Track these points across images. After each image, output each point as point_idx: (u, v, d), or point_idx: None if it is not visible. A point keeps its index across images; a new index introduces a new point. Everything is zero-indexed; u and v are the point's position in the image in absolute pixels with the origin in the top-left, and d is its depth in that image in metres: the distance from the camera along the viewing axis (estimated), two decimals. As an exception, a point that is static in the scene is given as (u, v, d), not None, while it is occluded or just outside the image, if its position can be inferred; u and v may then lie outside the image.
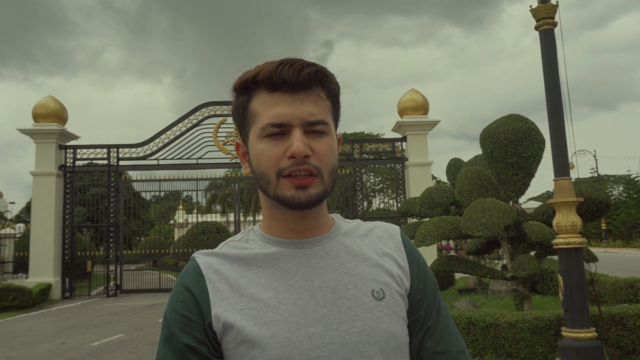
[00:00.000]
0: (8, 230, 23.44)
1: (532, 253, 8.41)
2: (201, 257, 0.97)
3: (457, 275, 15.16)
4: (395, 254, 1.01)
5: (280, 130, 0.89)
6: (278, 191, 0.90)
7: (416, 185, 17.27)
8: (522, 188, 8.08)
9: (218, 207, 41.86)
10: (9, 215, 49.13)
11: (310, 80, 0.89)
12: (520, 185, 8.00)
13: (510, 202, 8.28)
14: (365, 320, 0.91)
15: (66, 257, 17.77)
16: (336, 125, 0.98)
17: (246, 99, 0.93)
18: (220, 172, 20.27)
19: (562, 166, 5.33)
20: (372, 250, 1.00)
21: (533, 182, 8.22)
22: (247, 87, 0.93)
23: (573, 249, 5.25)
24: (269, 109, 0.89)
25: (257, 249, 0.97)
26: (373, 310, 0.92)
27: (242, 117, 0.95)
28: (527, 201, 23.73)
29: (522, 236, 7.92)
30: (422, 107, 18.57)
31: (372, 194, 35.91)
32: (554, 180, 5.46)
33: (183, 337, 0.90)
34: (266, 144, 0.90)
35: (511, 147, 7.76)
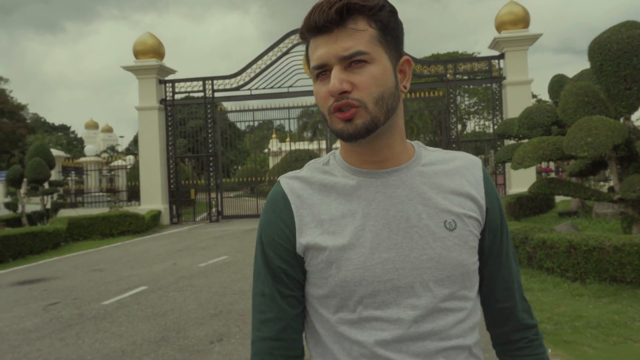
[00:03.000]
0: (120, 162, 25.37)
1: (644, 174, 7.80)
2: (285, 181, 1.04)
3: (558, 198, 14.50)
4: (474, 188, 1.03)
5: (324, 70, 0.93)
6: (332, 126, 0.95)
7: (514, 105, 16.37)
8: (635, 103, 7.38)
9: (309, 134, 42.43)
10: (119, 148, 53.10)
11: (338, 16, 0.89)
12: (634, 100, 7.31)
13: (621, 119, 7.63)
14: (436, 248, 0.96)
15: (172, 186, 19.05)
16: (388, 50, 0.94)
17: (306, 46, 0.98)
18: (311, 100, 20.34)
19: (684, 76, 4.77)
20: (449, 182, 1.02)
21: (648, 96, 7.47)
22: (304, 37, 0.97)
23: (693, 168, 4.79)
24: (313, 53, 0.94)
25: (337, 176, 1.02)
26: (444, 240, 0.97)
27: (308, 62, 0.99)
28: (641, 118, 21.77)
29: (634, 156, 7.33)
30: (522, 21, 17.21)
31: (466, 116, 34.63)
32: (674, 93, 4.92)
33: (277, 261, 1.01)
34: (318, 85, 0.95)
35: (625, 58, 7.05)
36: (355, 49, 0.89)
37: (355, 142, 0.94)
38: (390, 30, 0.94)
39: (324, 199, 1.00)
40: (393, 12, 0.95)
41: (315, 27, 0.91)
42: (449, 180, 1.02)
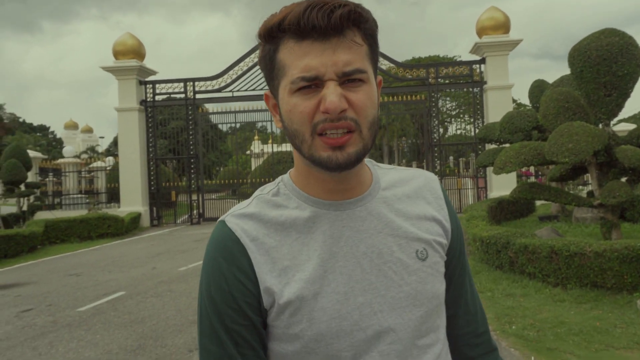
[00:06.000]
0: (99, 164, 24.98)
1: (623, 179, 7.88)
2: (234, 222, 0.88)
3: (538, 202, 14.61)
4: (437, 210, 0.96)
5: (313, 84, 0.79)
6: (313, 152, 0.80)
7: (495, 110, 16.48)
8: (614, 110, 7.45)
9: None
10: (99, 149, 52.39)
11: (343, 23, 0.77)
12: (613, 106, 7.38)
13: (601, 125, 7.70)
14: (411, 283, 0.88)
15: (152, 188, 18.80)
16: (375, 69, 0.86)
17: (273, 48, 0.82)
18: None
19: (664, 83, 4.80)
20: (414, 206, 0.94)
21: (626, 103, 7.55)
22: (272, 35, 0.81)
23: (673, 175, 4.83)
24: (298, 59, 0.78)
25: (294, 210, 0.88)
26: (418, 272, 0.89)
27: (270, 69, 0.84)
28: (618, 123, 22.10)
29: (613, 161, 7.39)
30: (503, 26, 17.36)
31: (448, 119, 34.87)
32: (654, 100, 4.96)
33: (237, 318, 0.85)
34: (297, 98, 0.80)
35: (604, 65, 7.10)
36: (356, 65, 0.79)
37: (341, 173, 0.83)
38: (377, 48, 0.85)
39: (283, 240, 0.86)
40: (377, 27, 0.85)
41: (310, 29, 0.77)
42: (412, 204, 0.94)
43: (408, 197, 0.94)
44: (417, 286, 0.88)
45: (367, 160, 0.96)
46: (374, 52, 0.84)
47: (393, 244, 0.88)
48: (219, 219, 0.91)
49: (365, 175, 0.92)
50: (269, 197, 0.91)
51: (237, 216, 0.89)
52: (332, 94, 0.76)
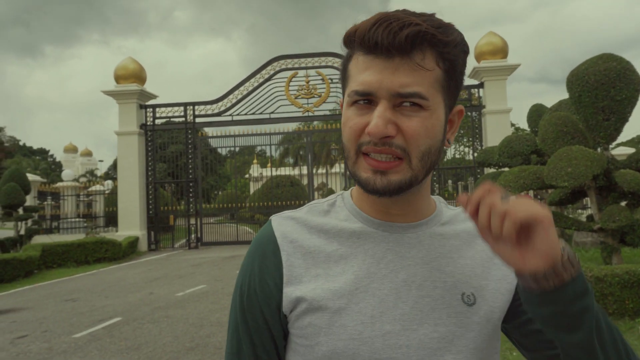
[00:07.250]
0: (98, 187, 24.94)
1: (623, 203, 7.86)
2: (277, 221, 0.88)
3: (538, 227, 14.57)
4: None
5: (367, 99, 0.76)
6: (356, 170, 0.79)
7: (494, 134, 16.56)
8: (613, 134, 7.47)
9: (291, 160, 42.44)
10: (98, 173, 52.42)
11: (408, 44, 0.72)
12: (612, 130, 7.40)
13: (599, 149, 7.72)
14: (449, 325, 0.80)
15: (150, 212, 18.74)
16: (450, 98, 0.80)
17: (348, 56, 0.81)
18: (292, 126, 20.35)
19: (662, 109, 4.82)
20: (471, 247, 0.86)
21: (625, 127, 7.59)
22: (347, 45, 0.80)
23: (673, 200, 4.82)
24: (359, 73, 0.77)
25: (342, 221, 0.86)
26: (460, 315, 0.80)
27: (343, 77, 0.83)
28: (616, 147, 22.18)
29: (612, 185, 7.39)
30: (501, 51, 17.56)
31: (446, 143, 35.02)
32: (652, 125, 4.97)
33: (257, 317, 0.84)
34: (352, 112, 0.78)
35: (602, 89, 7.14)
36: (414, 88, 0.73)
37: (380, 197, 0.79)
38: (457, 75, 0.79)
39: (323, 247, 0.84)
40: (466, 52, 0.79)
41: (374, 45, 0.74)
42: (472, 243, 0.87)
43: (468, 235, 0.87)
44: (455, 330, 0.79)
45: (436, 198, 0.93)
46: (450, 79, 0.78)
47: (437, 280, 0.82)
48: (270, 218, 0.91)
49: (425, 205, 0.87)
50: (323, 206, 0.90)
51: (284, 217, 0.89)
52: (378, 117, 0.73)
